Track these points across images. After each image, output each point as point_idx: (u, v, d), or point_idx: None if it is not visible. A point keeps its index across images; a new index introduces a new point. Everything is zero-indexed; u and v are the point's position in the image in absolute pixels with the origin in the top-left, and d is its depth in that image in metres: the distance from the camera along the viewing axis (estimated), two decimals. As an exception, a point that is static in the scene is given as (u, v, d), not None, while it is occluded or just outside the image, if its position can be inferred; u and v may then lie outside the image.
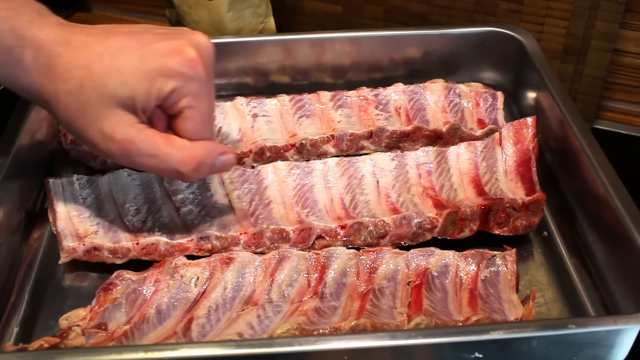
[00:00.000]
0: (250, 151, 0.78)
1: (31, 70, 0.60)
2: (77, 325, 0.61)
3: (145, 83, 0.58)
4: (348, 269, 0.65)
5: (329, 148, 0.80)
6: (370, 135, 0.80)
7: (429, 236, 0.69)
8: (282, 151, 0.79)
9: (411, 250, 0.66)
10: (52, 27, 0.60)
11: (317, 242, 0.69)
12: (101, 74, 0.58)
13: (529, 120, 0.77)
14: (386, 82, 0.87)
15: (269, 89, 0.90)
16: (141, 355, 0.53)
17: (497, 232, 0.70)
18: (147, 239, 0.68)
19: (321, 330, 0.58)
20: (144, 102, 0.59)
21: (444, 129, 0.80)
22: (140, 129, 0.60)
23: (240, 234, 0.68)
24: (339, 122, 0.81)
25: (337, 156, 0.78)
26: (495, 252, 0.66)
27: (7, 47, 0.60)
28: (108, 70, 0.58)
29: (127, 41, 0.60)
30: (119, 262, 0.67)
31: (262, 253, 0.67)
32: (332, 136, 0.79)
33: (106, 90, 0.58)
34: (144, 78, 0.58)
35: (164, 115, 0.62)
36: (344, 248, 0.67)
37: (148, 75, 0.58)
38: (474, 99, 0.84)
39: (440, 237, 0.69)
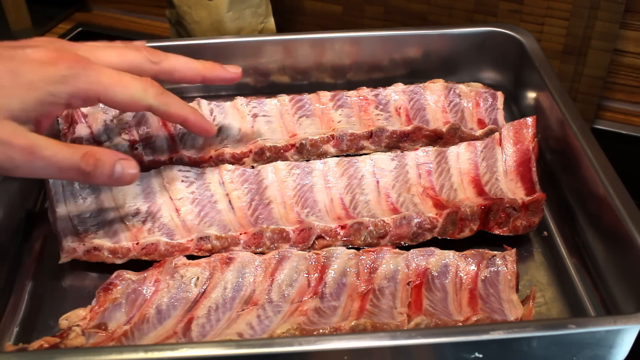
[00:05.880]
0: (250, 151, 0.78)
1: None
2: (77, 325, 0.61)
3: (34, 94, 0.58)
4: (348, 269, 0.65)
5: (329, 148, 0.80)
6: (370, 135, 0.80)
7: (429, 236, 0.69)
8: (282, 151, 0.79)
9: (411, 250, 0.66)
10: None
11: (317, 242, 0.69)
12: None
13: (529, 120, 0.77)
14: (386, 82, 0.86)
15: (269, 89, 0.90)
16: (141, 355, 0.53)
17: (497, 232, 0.70)
18: (147, 239, 0.68)
19: (321, 330, 0.58)
20: (38, 112, 0.59)
21: (444, 129, 0.80)
22: (36, 134, 0.59)
23: (240, 234, 0.68)
24: (339, 122, 0.81)
25: (337, 156, 0.78)
26: (495, 252, 0.66)
27: None
28: None
29: None
30: (119, 262, 0.67)
31: (262, 253, 0.67)
32: (332, 136, 0.79)
33: None
34: (31, 89, 0.58)
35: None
36: (344, 248, 0.67)
37: (34, 87, 0.58)
38: (474, 99, 0.84)
39: (440, 237, 0.69)
